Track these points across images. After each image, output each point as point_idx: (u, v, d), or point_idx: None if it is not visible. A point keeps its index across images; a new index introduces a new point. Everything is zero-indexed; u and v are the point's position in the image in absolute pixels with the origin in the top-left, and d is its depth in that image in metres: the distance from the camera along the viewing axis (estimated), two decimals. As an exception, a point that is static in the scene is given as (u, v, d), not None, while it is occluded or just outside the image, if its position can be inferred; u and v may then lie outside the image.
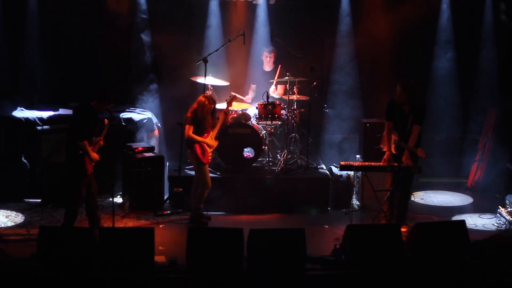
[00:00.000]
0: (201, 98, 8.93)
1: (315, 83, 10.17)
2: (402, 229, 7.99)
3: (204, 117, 8.87)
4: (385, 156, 8.70)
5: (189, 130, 8.85)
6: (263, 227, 8.25)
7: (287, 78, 10.26)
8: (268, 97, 9.96)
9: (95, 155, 8.02)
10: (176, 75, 10.93)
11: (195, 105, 8.88)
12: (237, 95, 10.37)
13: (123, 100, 10.68)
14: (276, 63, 10.71)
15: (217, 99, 10.35)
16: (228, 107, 9.38)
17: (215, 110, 9.14)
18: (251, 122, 10.13)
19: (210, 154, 9.07)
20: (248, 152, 9.94)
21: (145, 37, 11.13)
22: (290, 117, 10.23)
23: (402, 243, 7.43)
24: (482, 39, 11.43)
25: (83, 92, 9.82)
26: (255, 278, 7.09)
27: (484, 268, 7.39)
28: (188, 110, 8.97)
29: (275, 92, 10.68)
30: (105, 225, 8.65)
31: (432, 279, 7.24)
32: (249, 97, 10.90)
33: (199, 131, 8.92)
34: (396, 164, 8.58)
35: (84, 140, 7.89)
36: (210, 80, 10.22)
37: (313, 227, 8.84)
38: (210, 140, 9.01)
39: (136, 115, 10.48)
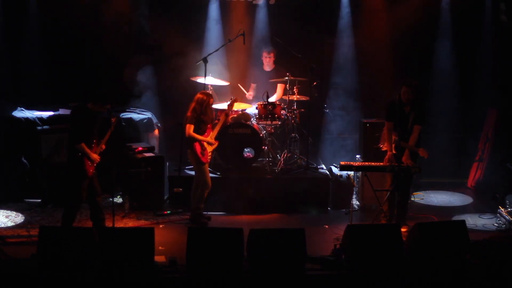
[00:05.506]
0: (198, 95, 8.98)
1: (315, 83, 10.17)
2: (402, 229, 8.00)
3: (204, 111, 8.89)
4: (386, 157, 8.71)
5: (189, 129, 8.86)
6: (263, 227, 8.27)
7: (287, 78, 10.26)
8: (268, 97, 9.96)
9: (95, 156, 7.97)
10: (176, 75, 10.91)
11: (193, 104, 8.90)
12: (240, 86, 10.53)
13: (123, 100, 10.68)
14: (276, 63, 10.72)
15: (217, 99, 10.37)
16: (229, 109, 9.38)
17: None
18: (251, 122, 10.13)
19: (210, 154, 9.09)
20: (248, 152, 9.94)
21: (145, 37, 11.13)
22: (290, 117, 10.23)
23: (402, 243, 7.43)
24: (482, 39, 11.44)
25: (80, 92, 9.77)
26: (255, 278, 7.09)
27: (484, 268, 7.39)
28: (187, 109, 8.98)
29: (275, 94, 10.70)
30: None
31: (432, 279, 7.24)
32: (250, 93, 10.86)
33: (199, 129, 8.93)
34: (396, 164, 8.59)
35: (80, 142, 7.83)
36: (210, 80, 10.22)
37: (313, 227, 8.83)
38: (210, 139, 9.02)
39: (136, 115, 10.47)
